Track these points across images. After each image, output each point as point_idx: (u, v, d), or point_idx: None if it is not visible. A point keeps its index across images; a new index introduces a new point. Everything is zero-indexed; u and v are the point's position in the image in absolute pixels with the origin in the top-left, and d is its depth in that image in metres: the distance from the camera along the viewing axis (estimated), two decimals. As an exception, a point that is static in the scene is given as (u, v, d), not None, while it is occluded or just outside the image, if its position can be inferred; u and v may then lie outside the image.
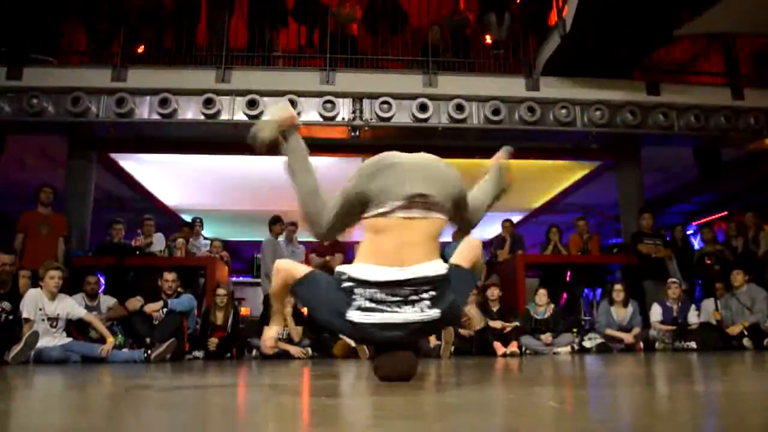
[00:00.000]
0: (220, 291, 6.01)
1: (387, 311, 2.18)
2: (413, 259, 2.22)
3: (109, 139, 7.12)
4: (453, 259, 2.39)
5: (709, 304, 6.46)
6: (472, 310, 2.69)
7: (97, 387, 2.79)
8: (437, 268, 2.26)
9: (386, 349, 2.30)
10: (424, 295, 2.20)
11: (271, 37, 7.30)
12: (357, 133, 6.79)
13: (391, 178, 2.27)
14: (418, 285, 2.20)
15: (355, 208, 2.33)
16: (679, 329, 6.12)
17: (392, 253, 2.22)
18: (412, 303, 2.19)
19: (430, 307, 2.20)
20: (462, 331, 6.01)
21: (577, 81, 6.95)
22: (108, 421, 1.55)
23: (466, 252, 2.44)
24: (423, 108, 6.65)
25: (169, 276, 5.66)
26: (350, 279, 2.21)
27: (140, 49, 7.40)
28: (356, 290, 2.19)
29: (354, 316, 2.18)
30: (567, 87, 6.95)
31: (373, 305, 2.18)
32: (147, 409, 1.77)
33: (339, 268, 2.30)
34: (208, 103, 6.50)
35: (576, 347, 5.96)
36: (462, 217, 2.53)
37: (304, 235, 7.71)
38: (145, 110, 6.58)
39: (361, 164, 2.42)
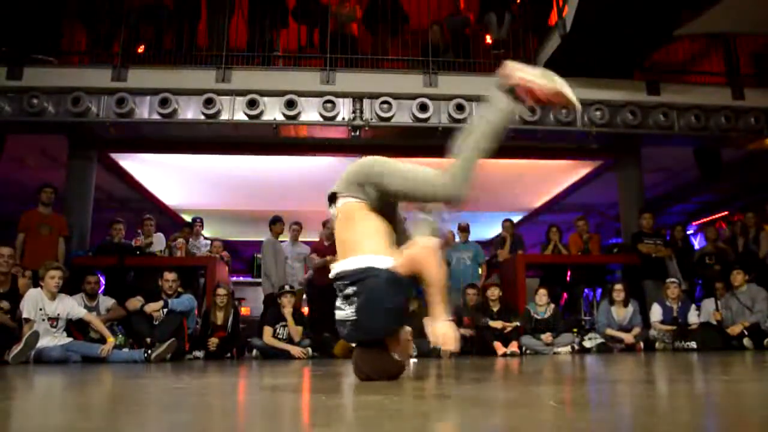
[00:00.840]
0: (221, 291, 6.02)
1: (339, 308, 2.27)
2: (346, 254, 2.29)
3: (109, 139, 7.13)
4: (394, 263, 2.19)
5: (709, 304, 6.46)
6: (406, 335, 2.30)
7: (97, 387, 2.78)
8: (360, 262, 2.18)
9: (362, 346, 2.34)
10: (348, 291, 2.21)
11: (271, 37, 7.29)
12: (357, 133, 6.79)
13: None
14: (339, 280, 2.27)
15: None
16: (679, 329, 6.12)
17: (339, 247, 2.37)
18: (347, 300, 2.22)
19: (350, 306, 2.21)
20: (462, 331, 6.03)
21: (577, 81, 6.91)
22: (108, 421, 1.55)
23: (407, 260, 2.16)
24: (423, 108, 6.65)
25: (170, 276, 5.67)
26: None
27: (140, 49, 7.40)
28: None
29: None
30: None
31: (338, 302, 2.29)
32: (147, 409, 1.77)
33: None
34: (209, 103, 6.50)
35: (576, 347, 5.97)
36: (396, 190, 2.26)
37: (306, 235, 7.72)
38: (145, 110, 6.59)
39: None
